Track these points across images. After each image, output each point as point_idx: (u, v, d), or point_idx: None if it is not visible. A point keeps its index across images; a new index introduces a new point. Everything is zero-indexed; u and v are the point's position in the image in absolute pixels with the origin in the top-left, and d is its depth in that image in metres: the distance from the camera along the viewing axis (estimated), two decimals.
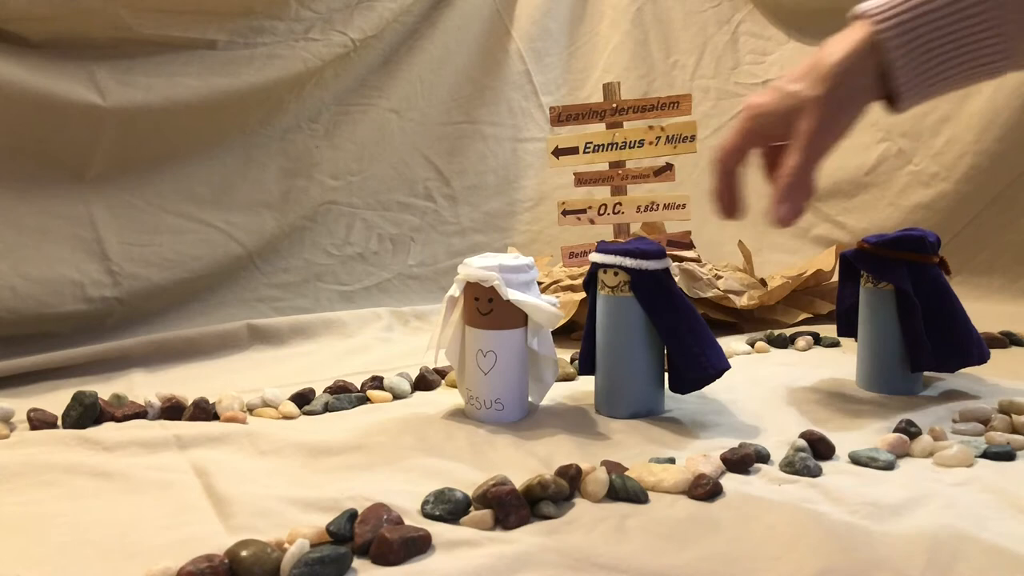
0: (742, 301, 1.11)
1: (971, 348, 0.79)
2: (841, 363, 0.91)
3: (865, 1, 0.63)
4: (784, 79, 0.65)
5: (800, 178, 0.64)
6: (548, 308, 0.72)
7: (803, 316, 1.16)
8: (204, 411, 0.74)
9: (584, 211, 1.12)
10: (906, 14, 0.60)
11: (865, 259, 0.80)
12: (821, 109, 0.62)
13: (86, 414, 0.72)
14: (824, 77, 0.62)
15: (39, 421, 0.72)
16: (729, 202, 0.69)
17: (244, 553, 0.47)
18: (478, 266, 0.71)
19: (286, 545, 0.48)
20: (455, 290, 0.73)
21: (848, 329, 0.85)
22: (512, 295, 0.70)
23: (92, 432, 0.70)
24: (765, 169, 0.70)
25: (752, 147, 0.67)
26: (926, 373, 0.83)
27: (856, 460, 0.63)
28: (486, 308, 0.71)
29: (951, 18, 0.59)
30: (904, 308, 0.77)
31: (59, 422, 0.73)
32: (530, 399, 0.77)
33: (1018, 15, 0.58)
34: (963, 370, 0.84)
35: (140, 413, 0.75)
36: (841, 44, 0.63)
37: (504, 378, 0.72)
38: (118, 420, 0.73)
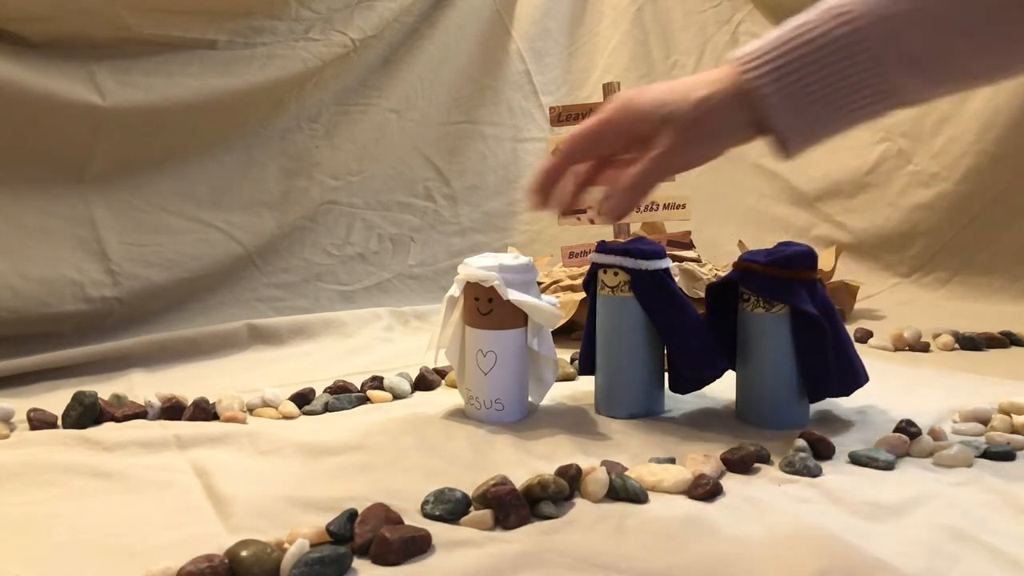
0: None
1: (860, 368, 0.73)
2: None
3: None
4: (660, 84, 0.63)
5: (637, 184, 0.63)
6: (548, 308, 0.71)
7: None
8: (204, 411, 0.74)
9: (584, 211, 1.11)
10: (778, 60, 0.58)
11: (758, 281, 0.70)
12: (683, 134, 0.61)
13: (86, 414, 0.73)
14: (696, 104, 0.61)
15: (39, 421, 0.72)
16: (548, 189, 0.66)
17: (244, 553, 0.47)
18: (478, 266, 0.71)
19: (286, 545, 0.48)
20: (455, 290, 0.73)
21: (728, 361, 0.75)
22: (512, 295, 0.70)
23: (92, 432, 0.70)
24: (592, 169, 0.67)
25: (607, 138, 0.65)
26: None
27: (856, 460, 0.63)
28: (486, 308, 0.71)
29: (825, 61, 0.58)
30: (807, 333, 0.69)
31: (59, 422, 0.73)
32: (530, 399, 0.77)
33: (892, 52, 0.57)
34: (962, 371, 0.84)
35: (140, 413, 0.75)
36: (717, 79, 0.61)
37: (504, 378, 0.72)
38: (118, 420, 0.73)
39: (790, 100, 0.59)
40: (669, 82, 0.63)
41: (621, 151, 0.67)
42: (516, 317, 0.72)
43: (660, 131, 0.62)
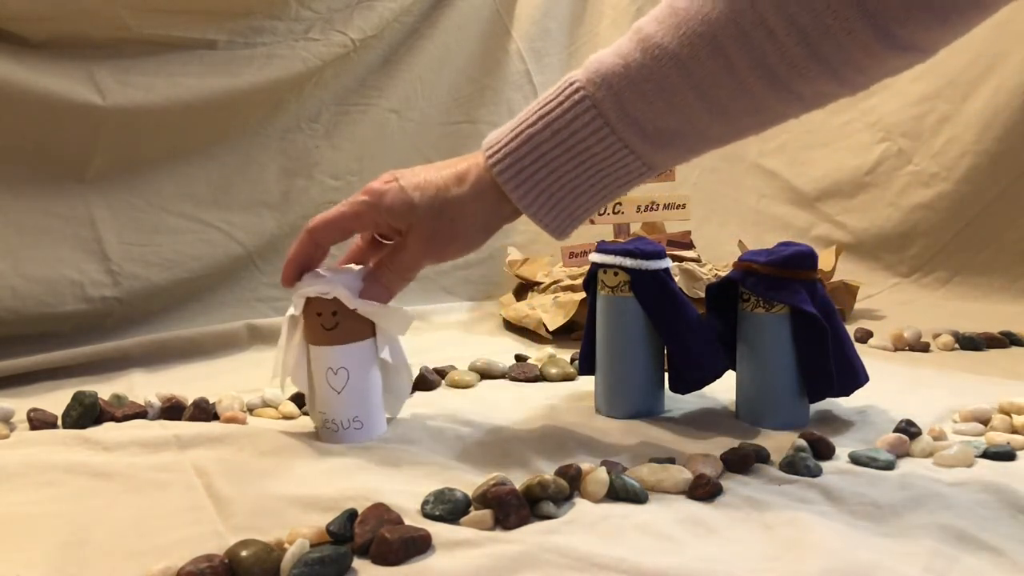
0: None
1: (860, 367, 0.73)
2: None
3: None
4: (409, 179, 0.62)
5: (394, 277, 0.65)
6: (398, 312, 0.67)
7: None
8: (204, 411, 0.74)
9: None
10: (524, 159, 0.57)
11: (758, 281, 0.70)
12: (432, 236, 0.61)
13: (86, 414, 0.73)
14: (443, 207, 0.60)
15: (39, 421, 0.72)
16: (297, 270, 0.68)
17: (244, 553, 0.47)
18: (316, 279, 0.67)
19: (286, 545, 0.48)
20: (293, 309, 0.68)
21: (728, 361, 0.75)
22: (358, 303, 0.65)
23: (92, 432, 0.70)
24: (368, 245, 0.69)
25: (354, 230, 0.66)
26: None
27: (856, 460, 0.63)
28: (331, 323, 0.66)
29: (571, 152, 0.56)
30: (807, 333, 0.69)
31: (59, 422, 0.73)
32: (387, 415, 0.72)
33: (634, 132, 0.55)
34: (962, 371, 0.84)
35: (140, 413, 0.75)
36: (466, 175, 0.60)
37: (360, 394, 0.68)
38: (118, 420, 0.73)
39: (543, 195, 0.58)
40: (425, 171, 0.62)
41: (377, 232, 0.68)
42: (363, 328, 0.67)
43: (407, 234, 0.62)
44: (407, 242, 0.63)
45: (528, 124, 0.58)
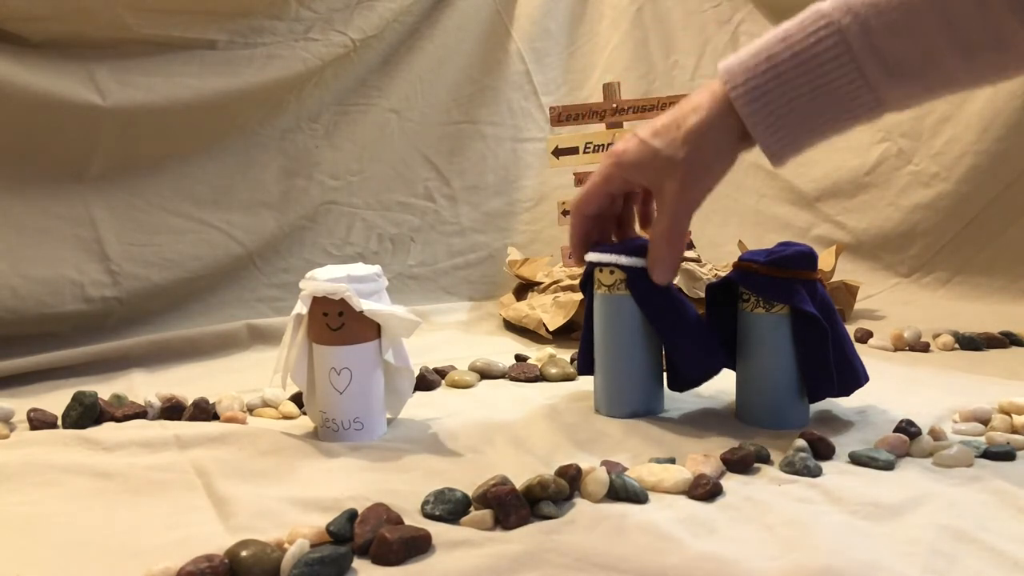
0: None
1: (860, 368, 0.72)
2: None
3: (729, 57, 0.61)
4: (647, 129, 0.63)
5: (671, 240, 0.66)
6: (405, 316, 0.67)
7: None
8: (204, 411, 0.74)
9: None
10: (759, 76, 0.58)
11: (758, 281, 0.70)
12: (684, 172, 0.62)
13: (86, 414, 0.73)
14: (685, 139, 0.61)
15: (39, 421, 0.72)
16: (580, 247, 0.71)
17: (244, 553, 0.47)
18: (324, 279, 0.67)
19: (286, 545, 0.48)
20: (301, 307, 0.68)
21: (727, 360, 0.75)
22: (365, 305, 0.66)
23: (92, 432, 0.70)
24: (638, 212, 0.71)
25: (611, 194, 0.68)
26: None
27: (856, 460, 0.63)
28: (336, 323, 0.66)
29: (807, 75, 0.57)
30: (807, 333, 0.69)
31: (59, 422, 0.73)
32: (388, 415, 0.73)
33: (875, 64, 0.56)
34: (962, 371, 0.83)
35: (140, 413, 0.75)
36: (701, 103, 0.62)
37: (362, 395, 0.68)
38: (118, 420, 0.73)
39: (772, 115, 0.59)
40: (662, 117, 0.64)
41: (634, 190, 0.69)
42: (369, 329, 0.68)
43: (662, 179, 0.63)
44: (662, 192, 0.64)
45: (769, 45, 0.59)
